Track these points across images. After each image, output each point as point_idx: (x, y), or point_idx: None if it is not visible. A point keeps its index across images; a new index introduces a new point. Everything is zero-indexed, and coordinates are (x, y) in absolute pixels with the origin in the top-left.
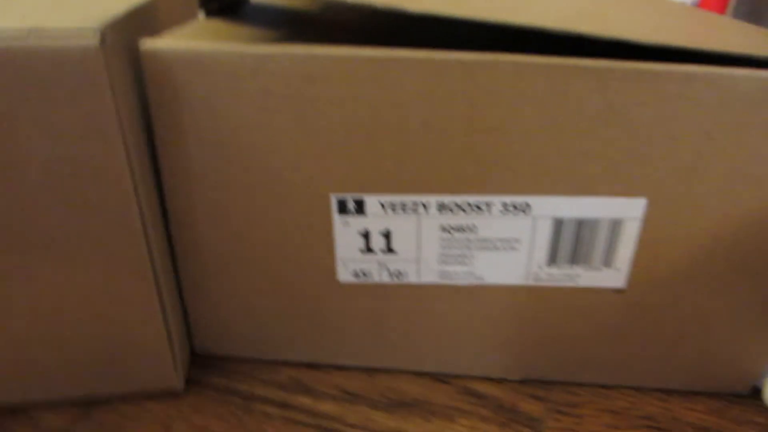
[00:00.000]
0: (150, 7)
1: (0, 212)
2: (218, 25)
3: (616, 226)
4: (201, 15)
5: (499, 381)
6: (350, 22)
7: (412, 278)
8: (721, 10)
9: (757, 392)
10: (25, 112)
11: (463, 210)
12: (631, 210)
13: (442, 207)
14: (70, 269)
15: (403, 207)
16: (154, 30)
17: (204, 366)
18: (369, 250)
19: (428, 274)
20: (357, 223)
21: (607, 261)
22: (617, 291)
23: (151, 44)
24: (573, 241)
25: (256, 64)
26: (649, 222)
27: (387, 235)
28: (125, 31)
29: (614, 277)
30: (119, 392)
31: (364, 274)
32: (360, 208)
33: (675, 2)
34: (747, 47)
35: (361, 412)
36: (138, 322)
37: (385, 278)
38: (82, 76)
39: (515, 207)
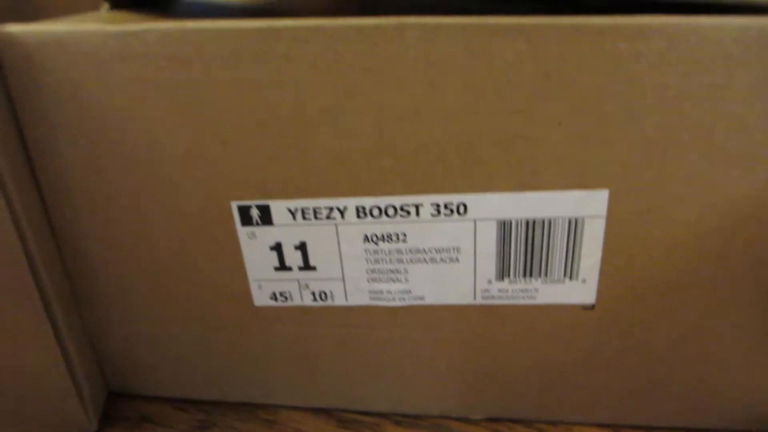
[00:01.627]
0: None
1: None
2: (120, 15)
3: (575, 226)
4: (104, 6)
5: (466, 420)
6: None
7: (339, 300)
8: None
9: None
10: None
11: (388, 215)
12: (591, 205)
13: (361, 212)
14: None
15: (316, 213)
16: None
17: (118, 405)
18: (284, 267)
19: (357, 295)
20: (265, 235)
21: (570, 271)
22: (586, 307)
23: (5, 28)
24: (525, 248)
25: (121, 45)
26: (615, 219)
27: (302, 249)
28: None
29: (580, 290)
30: None
31: (284, 297)
32: (266, 216)
33: None
34: None
35: None
36: (37, 363)
37: (308, 300)
38: None
39: (449, 208)
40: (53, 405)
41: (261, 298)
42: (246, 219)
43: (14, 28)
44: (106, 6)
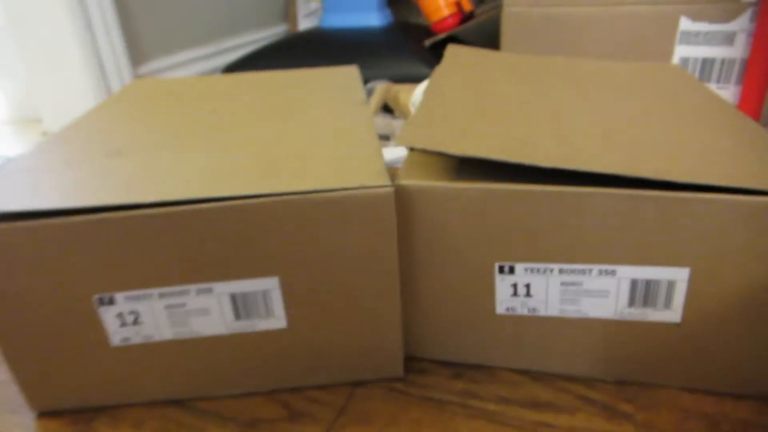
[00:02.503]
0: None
1: None
2: (418, 156)
3: (671, 284)
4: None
5: (602, 389)
6: None
7: (541, 312)
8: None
9: None
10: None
11: (575, 273)
12: (679, 275)
13: (561, 271)
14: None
15: (540, 271)
16: None
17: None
18: (516, 294)
19: (552, 311)
20: (509, 279)
21: (667, 305)
22: (675, 324)
23: (403, 182)
24: (643, 293)
25: (452, 194)
26: (693, 282)
27: (527, 287)
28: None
29: (672, 315)
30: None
31: (512, 309)
32: (512, 270)
33: (727, 112)
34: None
35: (514, 411)
36: (383, 337)
37: (525, 312)
38: (384, 209)
39: (606, 272)
40: (385, 362)
41: (500, 309)
42: (501, 270)
43: (404, 182)
44: (407, 150)
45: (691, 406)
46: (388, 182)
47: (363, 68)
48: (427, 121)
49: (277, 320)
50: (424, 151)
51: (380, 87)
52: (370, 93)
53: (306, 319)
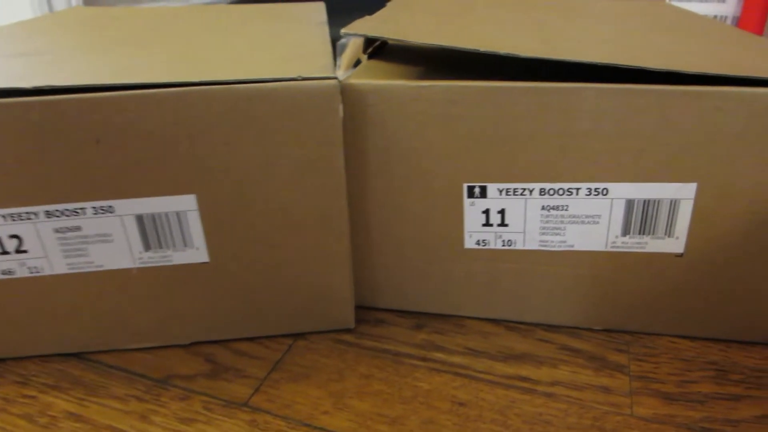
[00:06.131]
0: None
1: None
2: (377, 64)
3: (674, 204)
4: (363, 58)
5: (589, 338)
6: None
7: (518, 246)
8: (763, 16)
9: None
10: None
11: (558, 194)
12: (684, 192)
13: (542, 192)
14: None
15: (515, 192)
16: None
17: (359, 313)
18: (488, 224)
19: (531, 243)
20: (481, 203)
21: (669, 232)
22: (677, 255)
23: (353, 81)
24: (641, 217)
25: (415, 93)
26: (699, 202)
27: (502, 213)
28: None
29: (675, 244)
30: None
31: (484, 242)
32: (483, 192)
33: (716, 25)
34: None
35: (484, 363)
36: (330, 280)
37: (499, 245)
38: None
39: (597, 191)
40: (332, 309)
41: (469, 243)
42: (471, 193)
43: (353, 80)
44: (364, 57)
45: (694, 354)
46: (333, 74)
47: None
48: (385, 16)
49: (197, 252)
50: (378, 48)
51: (353, 42)
52: (342, 49)
53: (232, 252)
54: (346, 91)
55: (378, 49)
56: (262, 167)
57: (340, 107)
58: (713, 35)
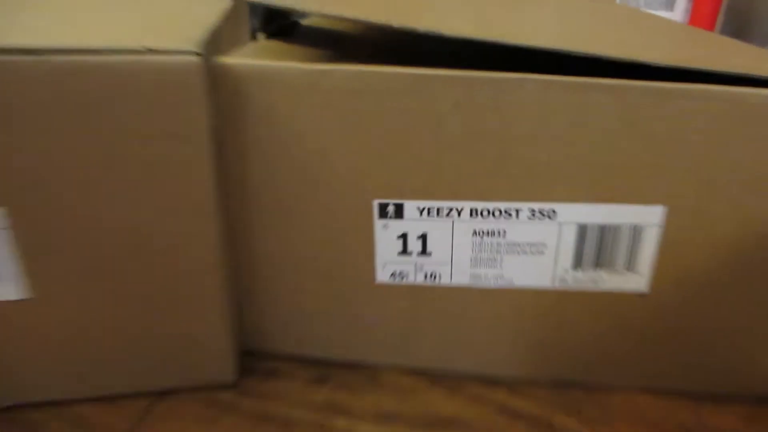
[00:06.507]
0: (218, 29)
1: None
2: (277, 45)
3: (636, 231)
4: (261, 37)
5: (533, 395)
6: (377, 39)
7: (444, 280)
8: (710, 28)
9: None
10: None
11: (494, 215)
12: (649, 217)
13: (474, 212)
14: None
15: (439, 212)
16: (220, 49)
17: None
18: (406, 252)
19: (460, 277)
20: (396, 226)
21: (630, 265)
22: (640, 295)
23: (227, 60)
24: (596, 246)
25: (312, 79)
26: (668, 228)
27: (423, 238)
28: (206, 50)
29: (637, 281)
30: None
31: (401, 276)
32: (399, 212)
33: (674, 23)
34: (749, 68)
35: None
36: (203, 329)
37: (420, 280)
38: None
39: (542, 213)
40: (207, 362)
41: (382, 276)
42: (383, 213)
43: (228, 59)
44: (262, 36)
45: (660, 416)
46: (195, 49)
47: None
48: None
49: (9, 286)
50: (287, 28)
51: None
52: None
53: (58, 286)
54: (219, 74)
55: (288, 29)
56: (93, 170)
57: (205, 93)
58: (677, 32)
